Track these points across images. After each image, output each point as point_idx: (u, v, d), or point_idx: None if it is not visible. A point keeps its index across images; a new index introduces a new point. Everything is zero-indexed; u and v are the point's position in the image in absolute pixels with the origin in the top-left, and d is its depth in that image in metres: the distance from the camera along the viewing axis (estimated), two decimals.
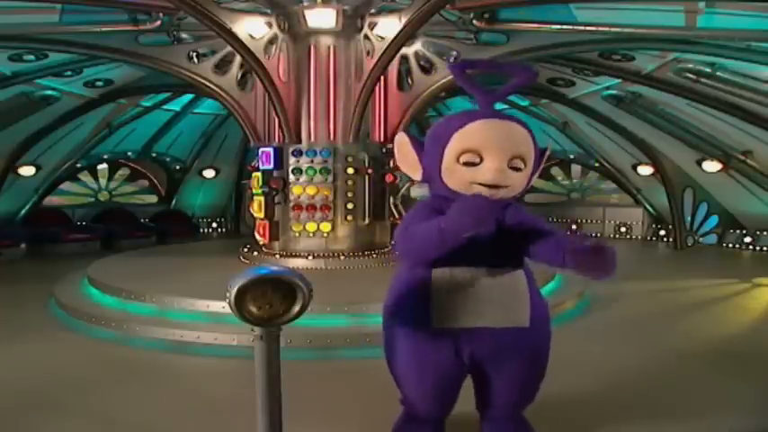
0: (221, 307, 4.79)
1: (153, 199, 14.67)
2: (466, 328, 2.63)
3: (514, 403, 2.94)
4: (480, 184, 2.56)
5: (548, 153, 2.86)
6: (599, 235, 13.79)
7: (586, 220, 14.12)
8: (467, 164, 2.57)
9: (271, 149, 7.53)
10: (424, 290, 2.65)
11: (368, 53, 7.42)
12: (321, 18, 7.16)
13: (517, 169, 2.59)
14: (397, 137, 2.84)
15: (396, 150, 2.83)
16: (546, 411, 3.57)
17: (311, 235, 7.40)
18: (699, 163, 11.05)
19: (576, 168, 14.71)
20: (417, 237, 2.57)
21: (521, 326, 2.68)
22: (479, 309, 2.61)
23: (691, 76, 8.76)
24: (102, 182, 14.00)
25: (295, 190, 7.42)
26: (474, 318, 2.62)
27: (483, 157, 2.56)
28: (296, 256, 7.35)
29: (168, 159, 14.06)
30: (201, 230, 14.33)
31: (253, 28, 7.24)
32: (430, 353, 2.69)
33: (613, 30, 7.42)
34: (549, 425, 3.41)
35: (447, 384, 2.79)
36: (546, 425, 3.41)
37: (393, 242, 2.82)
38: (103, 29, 7.57)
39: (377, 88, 7.48)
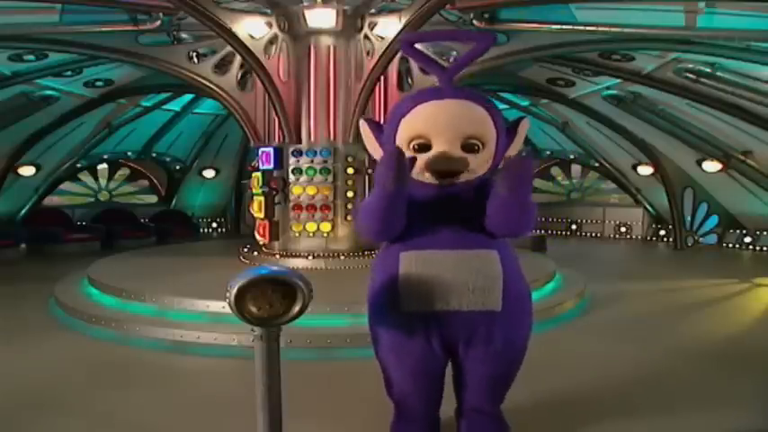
0: (221, 307, 4.78)
1: (153, 199, 14.68)
2: (435, 311, 2.59)
3: (486, 394, 2.86)
4: (431, 171, 2.55)
5: (525, 125, 2.76)
6: (599, 235, 13.83)
7: (586, 220, 14.12)
8: (417, 149, 2.56)
9: (271, 149, 7.53)
10: (394, 275, 2.64)
11: (368, 53, 7.42)
12: (321, 18, 7.16)
13: (473, 150, 2.54)
14: (360, 123, 2.89)
15: (362, 136, 2.88)
16: (546, 409, 3.59)
17: (311, 235, 7.40)
18: (699, 163, 11.05)
19: (576, 168, 14.72)
20: (364, 208, 2.64)
21: (491, 308, 2.59)
22: (447, 292, 2.56)
23: (691, 76, 8.77)
24: (102, 182, 14.02)
25: (295, 190, 7.42)
26: (442, 302, 2.57)
27: (431, 142, 2.53)
28: (296, 256, 7.35)
29: (168, 159, 14.07)
30: (201, 230, 14.33)
31: (253, 28, 7.23)
32: (404, 340, 2.69)
33: (613, 30, 7.42)
34: (549, 423, 3.42)
35: (425, 372, 2.75)
36: (546, 423, 3.41)
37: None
38: (103, 29, 7.57)
39: (377, 88, 7.48)
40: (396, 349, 2.75)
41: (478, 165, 2.60)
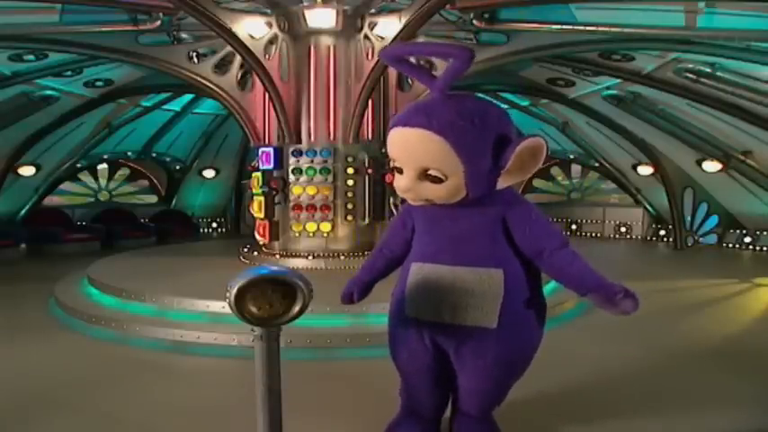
0: (221, 307, 4.79)
1: (153, 199, 14.68)
2: (430, 320, 2.66)
3: (474, 402, 2.85)
4: None
5: (519, 148, 2.32)
6: (599, 235, 13.82)
7: (586, 220, 14.12)
8: (397, 170, 2.57)
9: (271, 149, 7.53)
10: (405, 282, 2.73)
11: (368, 53, 7.42)
12: (321, 18, 7.16)
13: (435, 180, 2.41)
14: None
15: None
16: (546, 408, 3.59)
17: (311, 235, 7.40)
18: (699, 163, 11.05)
19: (576, 168, 14.72)
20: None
21: (485, 326, 2.55)
22: (442, 305, 2.60)
23: (691, 76, 8.76)
24: (102, 182, 14.01)
25: (295, 190, 7.42)
26: (435, 313, 2.62)
27: (402, 167, 2.53)
28: (296, 256, 7.35)
29: (168, 159, 14.06)
30: (201, 230, 14.33)
31: (253, 28, 7.23)
32: (402, 338, 2.80)
33: (613, 30, 7.42)
34: (549, 422, 3.42)
35: (421, 369, 2.81)
36: (546, 422, 3.42)
37: None
38: (103, 29, 7.56)
39: (377, 88, 7.48)
40: (397, 347, 2.85)
41: (447, 194, 2.46)
